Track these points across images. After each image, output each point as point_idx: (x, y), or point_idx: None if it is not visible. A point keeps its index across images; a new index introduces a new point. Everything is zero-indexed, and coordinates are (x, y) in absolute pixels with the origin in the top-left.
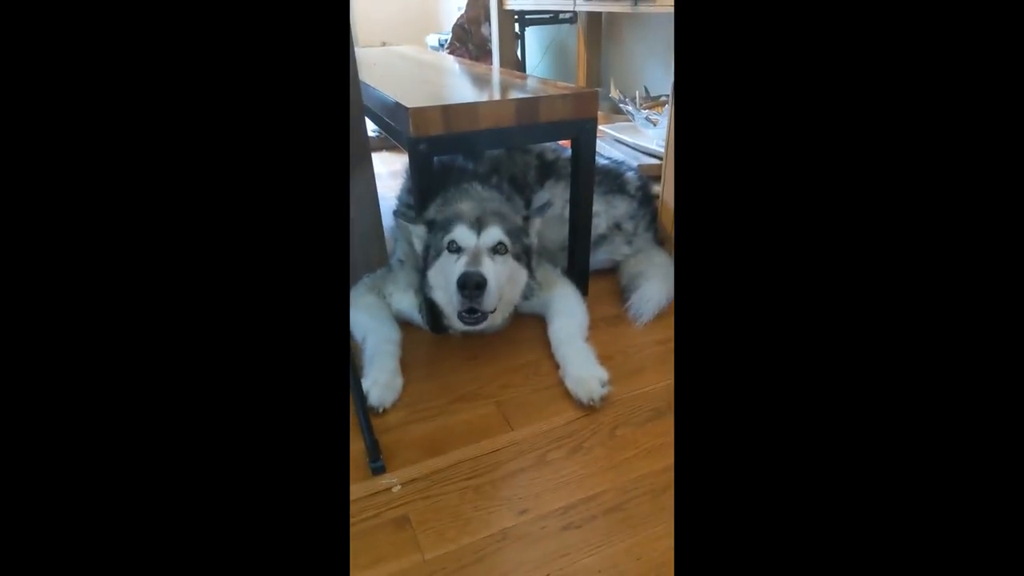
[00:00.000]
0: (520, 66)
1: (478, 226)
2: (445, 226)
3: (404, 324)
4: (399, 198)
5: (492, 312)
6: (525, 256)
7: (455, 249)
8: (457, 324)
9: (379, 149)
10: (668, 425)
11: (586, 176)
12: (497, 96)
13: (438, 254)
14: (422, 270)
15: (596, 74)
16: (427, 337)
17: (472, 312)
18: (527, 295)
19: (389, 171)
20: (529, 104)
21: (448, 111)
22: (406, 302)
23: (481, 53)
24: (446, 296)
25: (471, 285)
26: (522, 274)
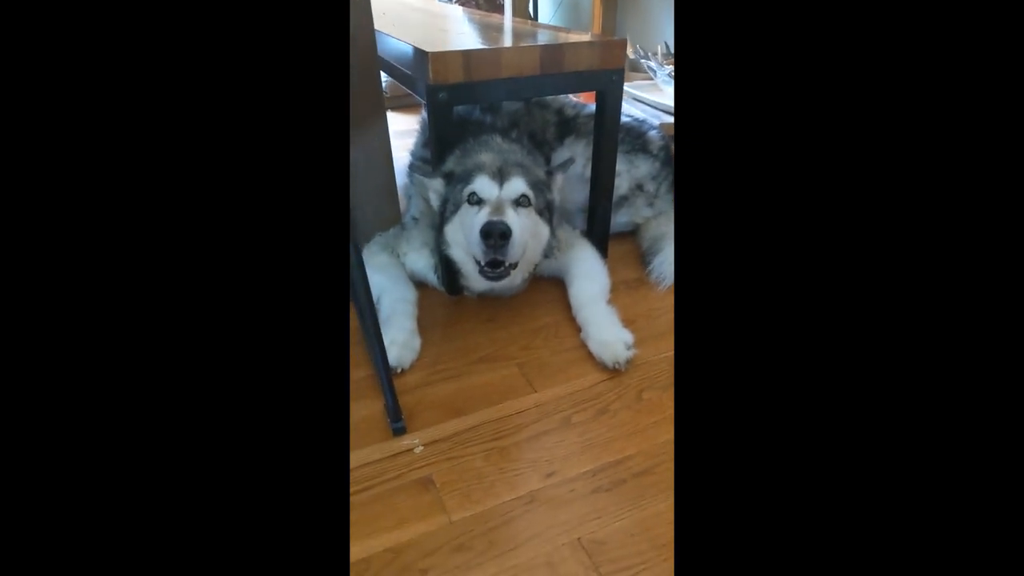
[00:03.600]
0: (532, 20)
1: (500, 177)
2: (465, 178)
3: (419, 285)
4: (412, 153)
5: (515, 267)
6: (547, 212)
7: (476, 201)
8: (476, 283)
9: (385, 108)
10: None
11: (611, 132)
12: (519, 43)
13: (457, 207)
14: (439, 227)
15: (611, 30)
16: (443, 299)
17: (495, 265)
18: (547, 253)
19: (395, 131)
20: (554, 52)
21: (469, 57)
22: (421, 262)
23: (492, 7)
24: (464, 252)
25: (496, 234)
26: (544, 230)
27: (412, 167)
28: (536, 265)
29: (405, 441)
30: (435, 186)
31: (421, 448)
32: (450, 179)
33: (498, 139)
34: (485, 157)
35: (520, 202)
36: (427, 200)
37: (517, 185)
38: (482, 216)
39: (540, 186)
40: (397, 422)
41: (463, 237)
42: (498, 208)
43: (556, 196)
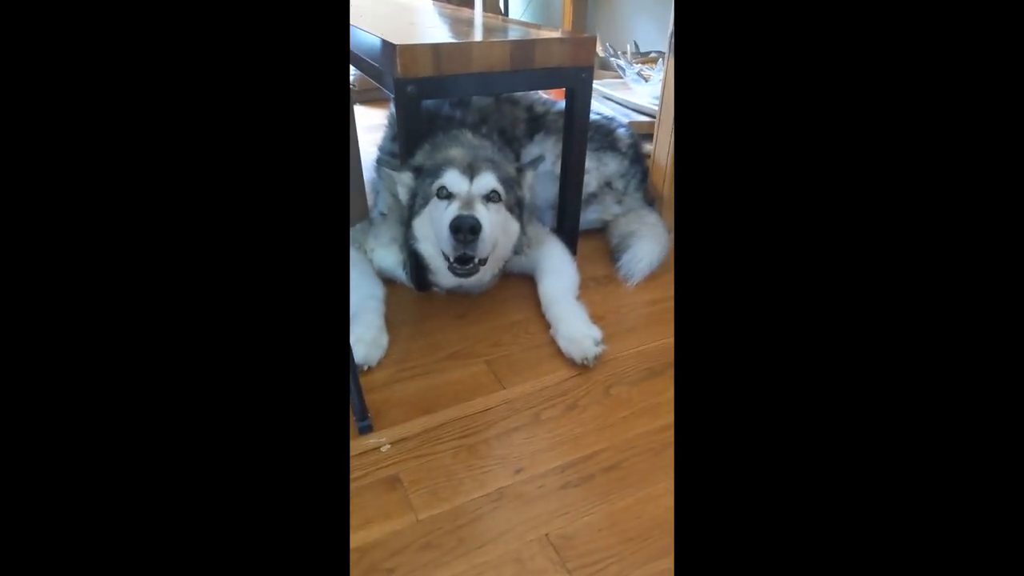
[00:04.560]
0: (503, 16)
1: (470, 172)
2: (435, 172)
3: (387, 282)
4: (380, 148)
5: (484, 264)
6: (517, 208)
7: (445, 195)
8: (445, 280)
9: (352, 102)
10: (663, 384)
11: (580, 129)
12: (490, 39)
13: (426, 201)
14: (407, 221)
15: (582, 28)
16: (411, 295)
17: (464, 262)
18: (518, 250)
19: (363, 125)
20: (524, 47)
21: (439, 51)
22: (389, 258)
23: (462, 1)
24: (433, 247)
25: (465, 229)
26: (514, 226)
27: (380, 161)
28: (506, 262)
29: (372, 440)
30: (404, 180)
31: (388, 447)
32: (419, 173)
33: (468, 134)
34: (455, 152)
35: (490, 197)
36: (395, 195)
37: (487, 180)
38: (452, 210)
39: (510, 182)
40: (363, 421)
41: (432, 231)
42: (468, 203)
43: (526, 193)
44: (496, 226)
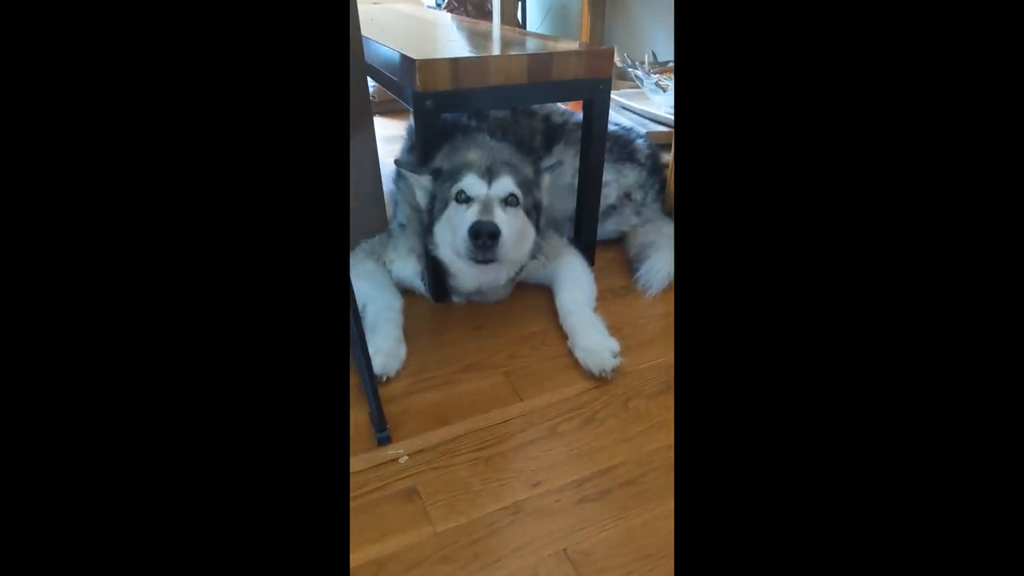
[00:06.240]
0: (521, 28)
1: (489, 176)
2: (453, 175)
3: (405, 293)
4: (398, 160)
5: (502, 260)
6: (535, 212)
7: (464, 199)
8: (465, 282)
9: (372, 114)
10: None
11: (598, 141)
12: (508, 51)
13: (445, 205)
14: (427, 225)
15: (600, 39)
16: (429, 306)
17: (485, 248)
18: (534, 254)
19: (382, 136)
20: (542, 60)
21: (457, 65)
22: (408, 269)
23: (480, 14)
24: (452, 251)
25: (484, 234)
26: (531, 230)
27: (399, 162)
28: (522, 267)
29: (390, 451)
30: (422, 183)
31: (406, 458)
32: (438, 176)
33: (486, 137)
34: (473, 155)
35: (508, 201)
36: (413, 205)
37: (505, 184)
38: (471, 215)
39: (528, 185)
40: (382, 432)
41: (451, 235)
42: (486, 206)
43: (544, 197)
44: (514, 230)
